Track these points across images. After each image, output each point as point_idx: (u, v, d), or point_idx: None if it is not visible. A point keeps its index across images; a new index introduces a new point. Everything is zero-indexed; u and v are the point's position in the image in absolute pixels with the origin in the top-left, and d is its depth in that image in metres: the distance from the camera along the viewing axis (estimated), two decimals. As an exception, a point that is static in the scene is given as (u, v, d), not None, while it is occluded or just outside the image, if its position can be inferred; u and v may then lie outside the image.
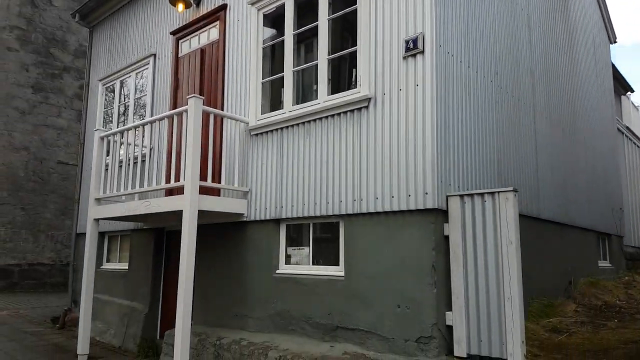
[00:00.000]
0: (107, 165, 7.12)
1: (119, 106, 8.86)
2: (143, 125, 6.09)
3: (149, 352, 6.86)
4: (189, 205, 5.05)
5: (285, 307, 5.30)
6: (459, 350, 4.10)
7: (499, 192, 4.13)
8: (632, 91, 16.36)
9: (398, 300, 4.36)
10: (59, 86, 15.27)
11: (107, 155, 7.20)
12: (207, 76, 6.84)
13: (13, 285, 13.85)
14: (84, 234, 8.13)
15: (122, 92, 8.88)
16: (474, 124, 5.10)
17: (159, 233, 7.52)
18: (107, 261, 8.76)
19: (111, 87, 9.23)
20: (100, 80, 9.43)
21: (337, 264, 5.03)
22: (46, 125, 14.87)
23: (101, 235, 8.59)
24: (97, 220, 6.77)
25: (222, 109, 6.39)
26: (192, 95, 5.22)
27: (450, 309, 4.24)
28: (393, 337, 4.34)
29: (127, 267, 8.03)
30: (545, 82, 7.22)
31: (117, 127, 8.35)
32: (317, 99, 5.33)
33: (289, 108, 5.60)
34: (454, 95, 4.73)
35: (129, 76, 8.64)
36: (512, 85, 6.13)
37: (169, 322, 6.90)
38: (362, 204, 4.72)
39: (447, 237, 4.34)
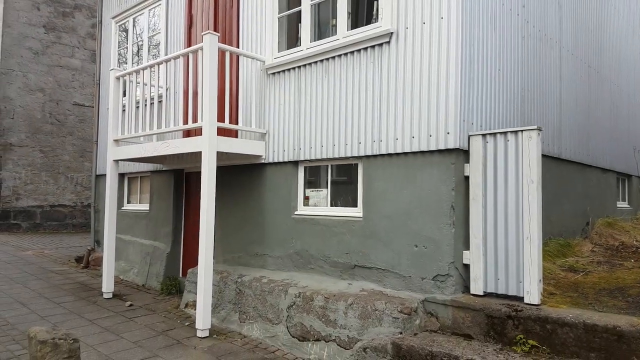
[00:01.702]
0: (124, 106, 7.10)
1: (132, 45, 8.71)
2: (158, 64, 5.99)
3: (172, 289, 7.13)
4: (208, 147, 5.05)
5: (304, 246, 5.39)
6: (476, 288, 4.16)
7: (522, 130, 4.03)
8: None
9: (416, 239, 4.40)
10: (71, 25, 15.02)
11: (124, 96, 7.16)
12: (221, 12, 6.63)
13: (36, 227, 14.31)
14: (104, 175, 8.26)
15: (135, 32, 8.69)
16: (499, 61, 4.91)
17: (179, 174, 7.59)
18: (128, 202, 8.94)
19: (124, 25, 9.04)
20: (113, 18, 9.22)
21: (355, 205, 5.05)
22: (60, 66, 14.77)
23: (121, 176, 8.71)
24: (116, 161, 6.83)
25: (238, 47, 6.23)
26: (207, 31, 5.08)
27: (467, 248, 4.27)
28: (410, 275, 4.42)
29: (148, 208, 8.19)
30: (572, 15, 6.86)
31: (132, 68, 8.24)
32: (335, 34, 5.15)
33: (307, 45, 5.43)
34: (479, 30, 4.53)
35: (142, 13, 8.42)
36: (539, 19, 5.84)
37: (191, 260, 7.12)
38: (381, 145, 4.66)
39: (467, 178, 4.30)
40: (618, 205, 8.86)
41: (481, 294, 4.13)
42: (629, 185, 9.59)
